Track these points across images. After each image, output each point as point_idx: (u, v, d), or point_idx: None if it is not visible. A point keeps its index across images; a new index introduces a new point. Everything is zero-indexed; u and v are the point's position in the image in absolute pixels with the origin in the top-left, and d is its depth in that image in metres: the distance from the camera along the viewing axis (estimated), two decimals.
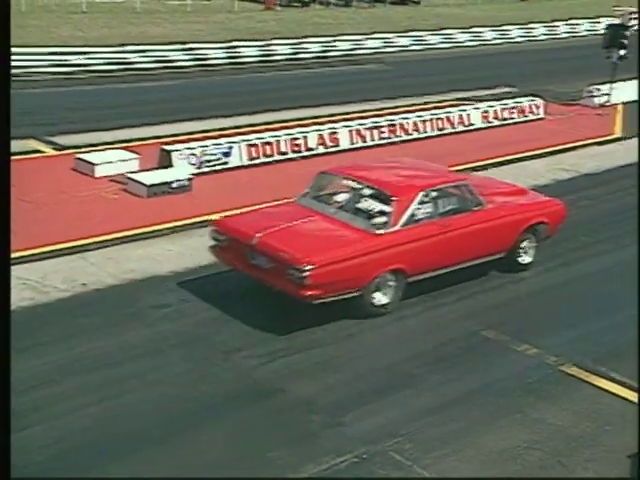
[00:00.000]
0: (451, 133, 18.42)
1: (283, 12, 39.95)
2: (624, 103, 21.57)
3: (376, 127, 17.20)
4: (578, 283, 10.89)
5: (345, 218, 9.40)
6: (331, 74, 26.14)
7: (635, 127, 18.85)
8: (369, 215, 9.41)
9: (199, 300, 9.58)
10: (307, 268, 8.40)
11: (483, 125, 19.13)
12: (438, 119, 18.37)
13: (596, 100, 21.61)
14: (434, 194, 9.65)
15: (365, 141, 16.90)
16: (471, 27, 34.49)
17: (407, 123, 17.73)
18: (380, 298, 9.21)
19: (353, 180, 9.91)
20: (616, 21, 21.42)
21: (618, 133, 19.10)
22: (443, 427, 7.37)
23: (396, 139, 17.37)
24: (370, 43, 30.53)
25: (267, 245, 8.85)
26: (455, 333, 9.25)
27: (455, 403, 7.80)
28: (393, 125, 17.49)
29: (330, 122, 17.22)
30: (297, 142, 15.84)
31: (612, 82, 21.55)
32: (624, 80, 21.88)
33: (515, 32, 35.47)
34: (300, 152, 15.81)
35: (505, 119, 19.64)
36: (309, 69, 26.70)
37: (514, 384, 8.18)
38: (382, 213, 9.34)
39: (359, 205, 9.60)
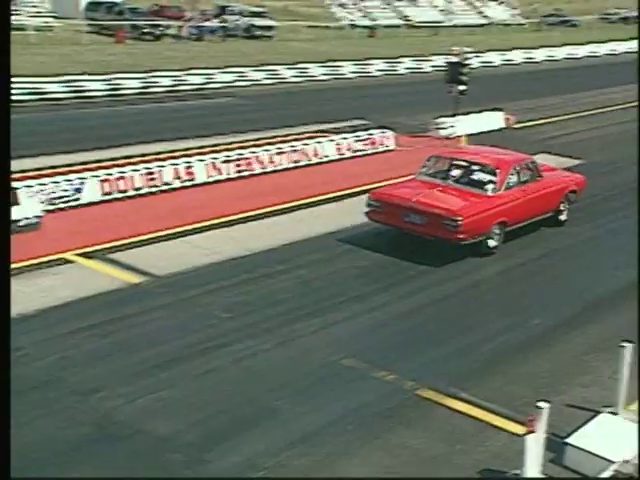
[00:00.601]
0: (306, 165, 18.78)
1: (134, 45, 39.59)
2: (468, 135, 22.79)
3: (232, 160, 17.29)
4: (420, 311, 11.31)
5: (464, 186, 13.07)
6: (182, 108, 26.11)
7: None
8: (482, 183, 13.03)
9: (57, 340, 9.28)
10: (459, 219, 12.06)
11: (337, 157, 19.61)
12: (293, 151, 18.68)
13: (442, 132, 22.70)
14: (518, 168, 13.57)
15: (221, 174, 16.97)
16: (326, 61, 35.41)
17: (263, 156, 17.95)
18: (491, 243, 12.85)
19: (462, 160, 13.62)
20: (455, 59, 22.76)
21: None
22: (306, 458, 7.44)
23: (252, 172, 17.54)
24: (223, 77, 30.73)
25: (423, 205, 12.42)
26: (315, 363, 9.37)
27: (317, 433, 7.89)
28: (249, 158, 17.65)
29: (185, 156, 17.18)
30: (153, 176, 15.73)
31: (455, 115, 22.79)
32: (466, 113, 23.20)
33: (372, 67, 36.59)
34: (156, 186, 15.73)
35: (358, 151, 20.22)
36: (160, 103, 26.53)
37: (373, 411, 8.37)
38: (491, 182, 13.00)
39: (472, 177, 13.22)
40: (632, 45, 49.25)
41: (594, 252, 14.19)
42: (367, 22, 57.03)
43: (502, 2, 68.88)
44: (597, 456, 7.35)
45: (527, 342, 10.30)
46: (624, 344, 8.21)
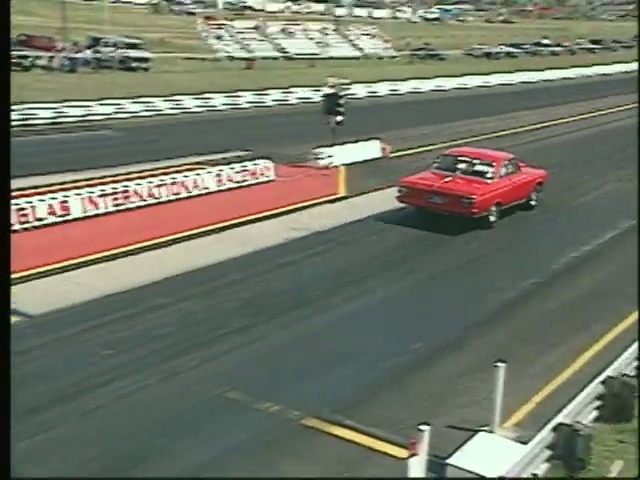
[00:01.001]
0: (187, 197, 18.60)
1: None
2: (345, 164, 23.23)
3: (109, 194, 16.91)
4: (303, 340, 11.42)
5: (469, 176, 16.88)
6: (67, 140, 25.43)
7: (357, 187, 20.50)
8: (482, 173, 16.88)
9: None
10: (474, 197, 15.83)
11: (217, 189, 19.54)
12: (173, 184, 18.47)
13: (321, 162, 23.06)
14: (506, 162, 17.58)
15: (98, 208, 16.55)
16: (203, 93, 35.30)
17: (142, 189, 17.65)
18: (492, 218, 16.61)
19: (466, 157, 17.64)
20: (331, 90, 23.07)
21: (342, 192, 20.38)
22: None
23: (131, 205, 17.23)
24: (100, 109, 30.17)
25: (445, 189, 16.24)
26: (199, 397, 9.25)
27: (203, 468, 7.77)
28: (127, 191, 17.32)
29: (61, 190, 16.68)
30: (24, 212, 15.14)
31: (333, 145, 23.19)
32: (344, 143, 23.65)
33: (244, 98, 36.79)
34: (28, 222, 15.16)
35: (238, 182, 20.23)
36: (42, 135, 25.81)
37: (259, 442, 8.33)
38: (489, 172, 16.84)
39: (474, 169, 17.15)
40: (493, 79, 52.08)
41: (468, 276, 14.74)
42: (244, 54, 57.44)
43: (375, 36, 71.06)
44: (476, 474, 7.58)
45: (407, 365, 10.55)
46: (498, 364, 8.57)
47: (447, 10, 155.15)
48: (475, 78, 51.13)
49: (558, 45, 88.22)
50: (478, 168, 17.46)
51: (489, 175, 17.33)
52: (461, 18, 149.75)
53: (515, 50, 79.60)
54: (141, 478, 6.96)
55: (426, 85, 46.83)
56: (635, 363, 10.25)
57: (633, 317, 12.61)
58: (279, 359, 10.59)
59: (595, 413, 9.18)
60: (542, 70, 57.77)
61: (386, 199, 19.61)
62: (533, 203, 18.90)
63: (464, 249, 16.18)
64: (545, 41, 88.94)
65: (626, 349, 10.36)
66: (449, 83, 48.53)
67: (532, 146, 28.34)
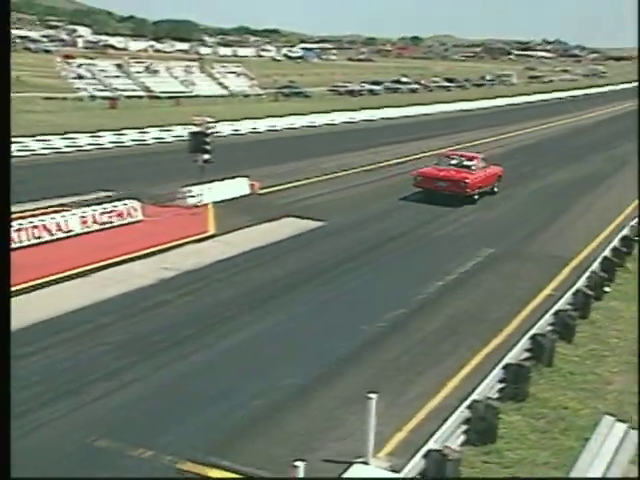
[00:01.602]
0: (49, 241, 17.95)
1: None
2: (215, 202, 23.17)
3: None
4: (175, 382, 11.27)
5: (459, 168, 23.31)
6: None
7: (226, 225, 20.51)
8: (468, 167, 23.15)
9: None
10: (468, 181, 22.48)
11: (83, 230, 18.98)
12: (33, 227, 17.78)
13: (190, 200, 22.87)
14: (481, 159, 24.09)
15: None
16: (64, 133, 34.36)
17: None
18: (475, 197, 22.92)
19: (455, 156, 24.51)
20: (197, 129, 22.99)
21: (212, 231, 20.29)
22: None
23: None
24: None
25: (447, 176, 22.89)
26: (69, 448, 8.89)
27: None
28: None
29: None
30: None
31: (202, 183, 23.09)
32: (212, 181, 23.61)
33: (108, 138, 36.05)
34: None
35: (104, 223, 19.75)
36: None
37: None
38: (472, 165, 23.18)
39: (463, 163, 23.68)
40: (361, 115, 53.64)
41: (338, 308, 14.99)
42: (107, 93, 56.40)
43: (240, 74, 71.65)
44: None
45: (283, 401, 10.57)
46: (370, 395, 8.74)
47: (310, 49, 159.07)
48: (340, 114, 52.40)
49: (416, 83, 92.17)
50: (465, 163, 24.87)
51: (473, 167, 24.70)
52: (324, 57, 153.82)
53: (376, 87, 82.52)
54: (141, 478, 6.84)
55: (294, 122, 47.59)
56: (498, 386, 10.76)
57: (495, 342, 13.23)
58: (151, 403, 10.36)
59: (463, 437, 9.51)
60: (402, 106, 60.05)
61: (256, 236, 19.81)
62: (495, 190, 26.16)
63: (334, 282, 16.46)
64: (404, 79, 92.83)
65: (490, 373, 10.85)
66: (315, 119, 49.55)
67: (395, 180, 29.36)
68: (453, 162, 25.20)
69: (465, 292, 16.22)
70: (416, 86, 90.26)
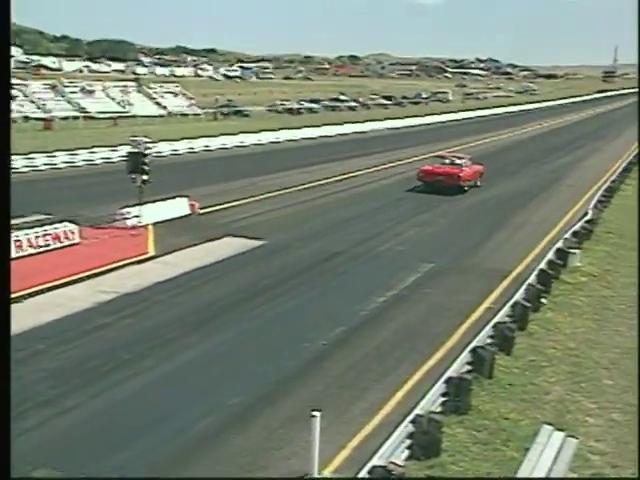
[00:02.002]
0: None
1: None
2: (155, 223, 22.92)
3: None
4: (114, 408, 11.05)
5: (452, 165, 30.58)
6: None
7: (166, 246, 20.36)
8: (459, 165, 30.55)
9: None
10: (461, 174, 29.65)
11: (18, 254, 18.50)
12: None
13: (129, 221, 22.57)
14: (468, 158, 31.97)
15: None
16: None
17: None
18: (466, 188, 30.08)
19: (449, 157, 32.04)
20: (135, 149, 22.80)
21: (152, 252, 20.08)
22: None
23: None
24: None
25: (444, 171, 30.13)
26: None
27: None
28: None
29: None
30: None
31: (141, 204, 22.80)
32: (151, 202, 23.34)
33: (40, 160, 35.39)
34: None
35: (40, 246, 19.34)
36: None
37: None
38: (462, 164, 30.61)
39: (454, 162, 30.97)
40: (299, 133, 53.86)
41: (287, 328, 14.97)
42: (41, 114, 55.40)
43: (178, 94, 71.26)
44: None
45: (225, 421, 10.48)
46: (314, 413, 8.73)
47: (248, 68, 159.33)
48: (280, 133, 52.53)
49: (355, 101, 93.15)
50: (456, 162, 31.77)
51: (463, 165, 31.60)
52: (262, 76, 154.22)
53: (315, 106, 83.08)
54: (144, 478, 6.84)
55: (232, 141, 47.52)
56: (441, 400, 10.88)
57: (437, 356, 13.39)
58: (90, 430, 10.15)
59: (407, 452, 9.57)
60: (341, 124, 60.54)
61: (196, 256, 19.66)
62: (478, 184, 32.45)
63: (276, 300, 16.43)
64: (342, 97, 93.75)
65: (432, 387, 10.96)
66: (254, 138, 49.55)
67: (337, 196, 29.57)
68: (447, 161, 32.41)
69: (406, 307, 16.38)
70: (354, 104, 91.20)
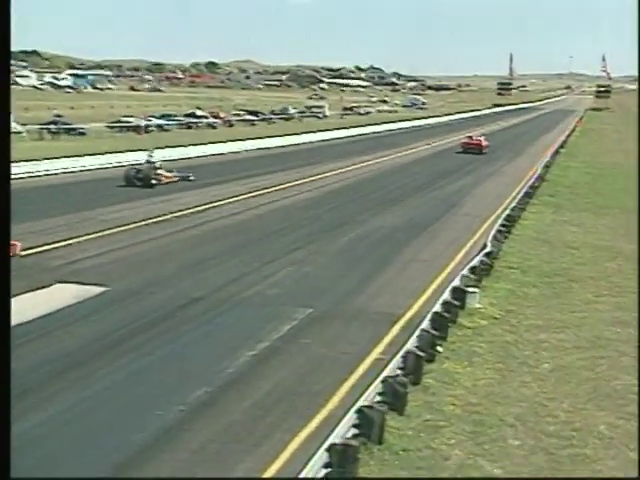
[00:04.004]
0: None
1: None
2: None
3: None
4: None
5: (475, 139, 74.74)
6: None
7: None
8: (477, 139, 74.00)
9: None
10: (484, 144, 71.76)
11: None
12: None
13: None
14: (484, 137, 77.38)
15: None
16: None
17: None
18: (484, 152, 70.63)
19: (472, 137, 76.30)
20: None
21: None
22: None
23: None
24: None
25: (473, 142, 72.70)
26: None
27: None
28: None
29: None
30: None
31: None
32: None
33: None
34: None
35: None
36: None
37: None
38: (482, 139, 74.21)
39: (477, 138, 74.91)
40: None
41: (134, 394, 14.71)
42: None
43: None
44: None
45: None
46: None
47: (82, 76, 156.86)
48: (116, 155, 51.62)
49: (215, 117, 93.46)
50: (477, 138, 72.95)
51: (481, 141, 71.53)
52: (100, 86, 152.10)
53: (167, 122, 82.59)
54: (143, 478, 7.03)
55: (67, 165, 46.49)
56: (323, 471, 10.96)
57: (318, 418, 13.52)
58: None
59: None
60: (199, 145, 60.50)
61: (19, 309, 18.93)
62: (484, 152, 68.23)
63: (120, 361, 16.13)
64: (199, 112, 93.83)
65: (312, 456, 11.04)
66: (88, 162, 48.62)
67: (194, 232, 29.45)
68: (473, 139, 72.33)
69: (281, 362, 16.47)
70: (214, 120, 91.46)
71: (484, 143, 70.83)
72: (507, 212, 34.84)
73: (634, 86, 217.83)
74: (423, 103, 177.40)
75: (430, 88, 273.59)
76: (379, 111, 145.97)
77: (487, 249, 26.10)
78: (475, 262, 24.06)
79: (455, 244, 29.49)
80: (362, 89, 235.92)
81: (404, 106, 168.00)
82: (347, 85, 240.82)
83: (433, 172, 55.28)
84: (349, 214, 35.50)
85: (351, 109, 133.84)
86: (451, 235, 31.66)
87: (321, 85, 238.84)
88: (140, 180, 40.57)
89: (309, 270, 24.88)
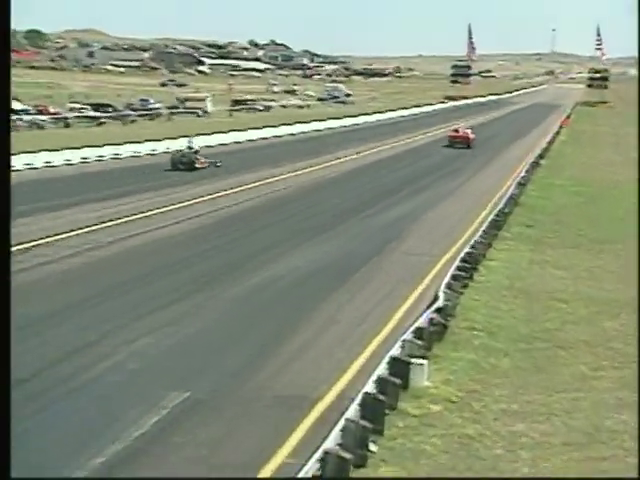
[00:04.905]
0: None
1: None
2: None
3: None
4: None
5: (462, 131, 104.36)
6: None
7: None
8: (466, 132, 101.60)
9: None
10: (471, 138, 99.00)
11: None
12: None
13: None
14: (471, 129, 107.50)
15: None
16: None
17: None
18: (471, 145, 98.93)
19: (459, 129, 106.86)
20: None
21: None
22: None
23: None
24: None
25: (460, 135, 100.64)
26: None
27: None
28: None
29: None
30: None
31: None
32: None
33: None
34: None
35: None
36: None
37: None
38: (468, 132, 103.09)
39: (464, 131, 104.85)
40: None
41: None
42: None
43: None
44: None
45: None
46: None
47: None
48: None
49: (40, 112, 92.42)
50: (464, 131, 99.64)
51: (468, 133, 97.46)
52: None
53: None
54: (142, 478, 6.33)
55: None
56: None
57: None
58: None
59: None
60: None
61: None
62: (470, 146, 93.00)
63: None
64: (19, 105, 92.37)
65: None
66: None
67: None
68: (459, 131, 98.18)
69: (148, 466, 16.36)
70: (41, 117, 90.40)
71: (471, 136, 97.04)
72: (467, 249, 34.88)
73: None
74: (347, 95, 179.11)
75: (357, 74, 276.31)
76: (284, 106, 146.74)
77: (439, 303, 26.15)
78: (422, 322, 24.10)
79: (392, 297, 29.62)
80: (260, 74, 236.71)
81: (320, 99, 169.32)
82: (238, 68, 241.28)
83: (370, 190, 55.77)
84: (246, 253, 35.52)
85: (244, 103, 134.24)
86: (387, 284, 31.83)
87: (200, 67, 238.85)
88: (184, 164, 63.64)
89: (186, 335, 24.71)
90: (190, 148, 65.74)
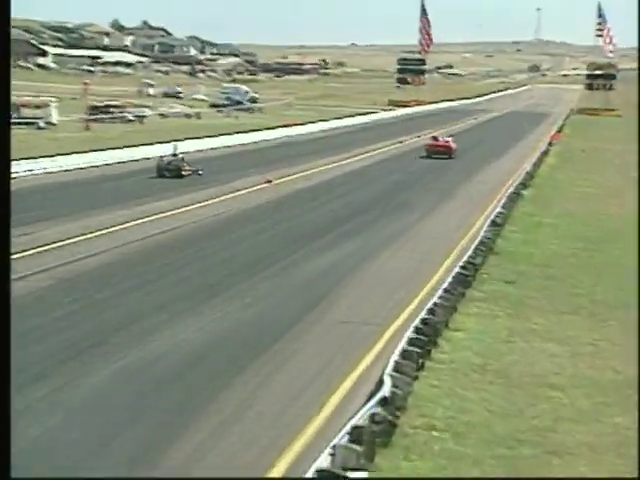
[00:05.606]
0: None
1: None
2: None
3: None
4: None
5: (442, 141, 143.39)
6: None
7: None
8: (447, 141, 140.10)
9: None
10: (453, 147, 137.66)
11: None
12: None
13: None
14: (452, 139, 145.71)
15: None
16: None
17: None
18: (453, 156, 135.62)
19: (439, 138, 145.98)
20: None
21: None
22: None
23: None
24: None
25: (440, 144, 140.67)
26: None
27: None
28: None
29: None
30: None
31: None
32: None
33: None
34: None
35: None
36: None
37: None
38: (449, 141, 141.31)
39: (444, 140, 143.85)
40: None
41: None
42: None
43: None
44: None
45: None
46: None
47: None
48: None
49: None
50: (445, 139, 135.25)
51: (449, 142, 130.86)
52: None
53: None
54: (142, 478, 8.04)
55: None
56: None
57: None
58: None
59: None
60: None
61: None
62: (453, 156, 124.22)
63: None
64: None
65: None
66: None
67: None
68: (439, 139, 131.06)
69: None
70: None
71: (453, 146, 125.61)
72: (423, 314, 34.65)
73: None
74: (253, 100, 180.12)
75: (267, 70, 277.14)
76: (163, 115, 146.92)
77: (384, 392, 26.02)
78: (360, 419, 23.96)
79: (319, 382, 29.54)
80: (129, 69, 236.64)
81: (214, 105, 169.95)
82: (97, 61, 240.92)
83: (286, 233, 56.40)
84: (113, 324, 35.45)
85: (107, 110, 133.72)
86: (308, 371, 31.47)
87: (42, 60, 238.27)
88: (170, 171, 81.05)
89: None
90: (175, 155, 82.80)
